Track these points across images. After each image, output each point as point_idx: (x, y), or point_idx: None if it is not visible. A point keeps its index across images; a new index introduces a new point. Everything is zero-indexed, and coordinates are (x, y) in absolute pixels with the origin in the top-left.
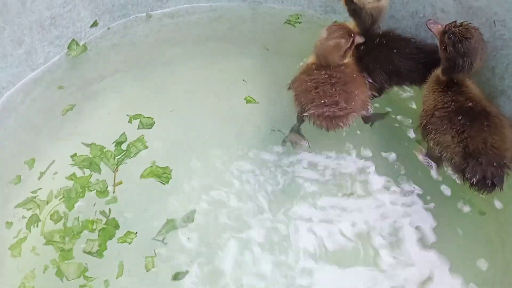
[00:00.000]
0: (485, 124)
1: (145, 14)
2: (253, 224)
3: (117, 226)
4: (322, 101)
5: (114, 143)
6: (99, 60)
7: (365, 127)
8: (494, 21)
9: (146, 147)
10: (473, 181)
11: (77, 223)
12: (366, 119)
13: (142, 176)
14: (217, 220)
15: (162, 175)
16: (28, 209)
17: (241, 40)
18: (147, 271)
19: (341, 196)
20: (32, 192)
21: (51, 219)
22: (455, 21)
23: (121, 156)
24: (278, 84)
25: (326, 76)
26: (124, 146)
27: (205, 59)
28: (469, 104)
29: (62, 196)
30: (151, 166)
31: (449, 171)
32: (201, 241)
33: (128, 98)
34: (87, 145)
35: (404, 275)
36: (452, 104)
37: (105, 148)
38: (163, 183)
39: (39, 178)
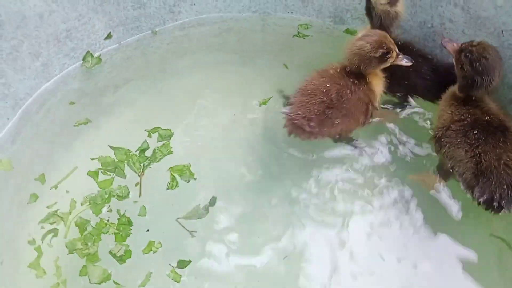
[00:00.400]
0: (501, 140)
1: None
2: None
3: (130, 223)
4: (301, 112)
5: (138, 151)
6: (112, 71)
7: None
8: (502, 31)
9: (171, 153)
10: (480, 200)
11: (92, 228)
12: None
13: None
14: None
15: (184, 171)
16: (51, 223)
17: (251, 51)
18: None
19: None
20: (48, 207)
21: (76, 225)
22: (472, 41)
23: (147, 161)
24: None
25: (331, 89)
26: (147, 153)
27: (216, 70)
28: (486, 118)
29: (88, 203)
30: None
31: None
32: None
33: (140, 108)
34: (113, 148)
35: None
36: (469, 117)
37: (130, 152)
38: (186, 181)
39: (55, 187)
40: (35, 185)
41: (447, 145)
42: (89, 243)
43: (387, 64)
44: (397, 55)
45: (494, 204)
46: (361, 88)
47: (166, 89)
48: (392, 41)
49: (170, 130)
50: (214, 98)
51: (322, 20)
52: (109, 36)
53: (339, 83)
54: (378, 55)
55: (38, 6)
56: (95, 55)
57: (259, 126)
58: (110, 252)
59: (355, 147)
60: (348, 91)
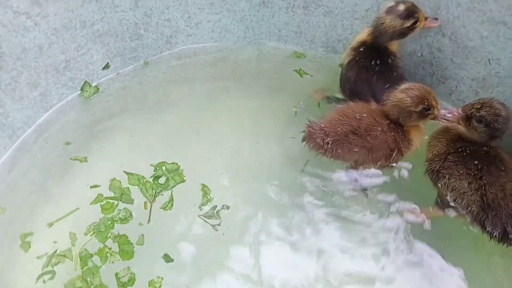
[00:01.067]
0: (502, 168)
1: (159, 54)
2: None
3: (129, 244)
4: (324, 125)
5: (152, 177)
6: (110, 101)
7: None
8: (489, 60)
9: (184, 181)
10: (495, 234)
11: (93, 264)
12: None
13: None
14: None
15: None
16: (55, 265)
17: (247, 79)
18: None
19: None
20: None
21: (80, 260)
22: (473, 104)
23: (160, 188)
24: (281, 123)
25: (364, 120)
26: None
27: (212, 98)
28: (484, 148)
29: (92, 232)
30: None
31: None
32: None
33: (138, 137)
34: (127, 173)
35: None
36: (467, 148)
37: (144, 178)
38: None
39: (51, 225)
40: (29, 220)
41: (447, 176)
42: (89, 279)
43: (427, 120)
44: (439, 111)
45: (510, 236)
46: (392, 133)
47: (164, 118)
48: (435, 97)
49: (177, 164)
50: (210, 126)
51: (315, 50)
52: (107, 66)
53: (375, 118)
54: (418, 110)
55: (38, 38)
56: (93, 84)
57: (255, 155)
58: (117, 276)
59: (364, 192)
60: (379, 128)
